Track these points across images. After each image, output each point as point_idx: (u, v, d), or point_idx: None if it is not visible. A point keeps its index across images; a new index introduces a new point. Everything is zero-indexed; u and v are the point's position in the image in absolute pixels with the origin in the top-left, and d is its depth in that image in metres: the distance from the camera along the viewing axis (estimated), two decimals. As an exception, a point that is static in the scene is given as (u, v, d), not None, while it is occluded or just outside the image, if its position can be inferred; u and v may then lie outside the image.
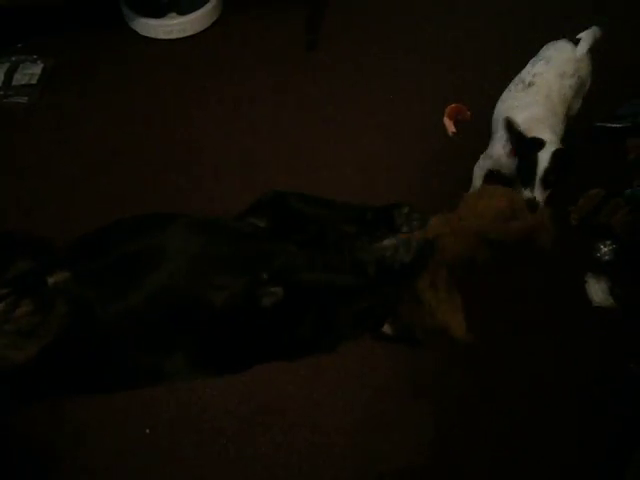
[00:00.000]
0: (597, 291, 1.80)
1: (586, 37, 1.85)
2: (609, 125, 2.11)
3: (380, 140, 2.13)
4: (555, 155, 1.60)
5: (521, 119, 1.70)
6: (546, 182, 1.61)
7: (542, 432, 1.60)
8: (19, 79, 2.25)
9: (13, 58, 2.31)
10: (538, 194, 1.61)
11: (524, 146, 1.64)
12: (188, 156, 2.06)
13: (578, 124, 2.15)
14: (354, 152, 2.09)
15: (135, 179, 1.99)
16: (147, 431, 1.55)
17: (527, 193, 1.62)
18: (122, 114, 2.17)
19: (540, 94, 1.79)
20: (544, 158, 1.60)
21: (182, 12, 2.37)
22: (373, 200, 1.59)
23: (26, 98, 2.20)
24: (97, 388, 1.49)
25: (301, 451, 1.53)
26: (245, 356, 1.52)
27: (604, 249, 1.86)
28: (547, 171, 1.60)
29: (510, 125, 1.67)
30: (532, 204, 1.57)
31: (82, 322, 1.35)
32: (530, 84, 1.82)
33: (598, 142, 2.12)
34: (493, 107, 1.93)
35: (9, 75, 2.26)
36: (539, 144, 1.62)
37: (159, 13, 2.36)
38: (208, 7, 2.39)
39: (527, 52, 1.98)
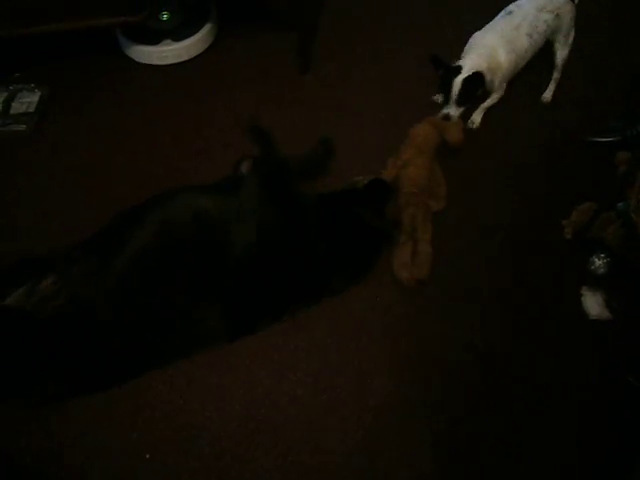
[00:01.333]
0: (593, 304, 1.81)
1: None
2: (599, 139, 2.13)
3: (369, 157, 2.15)
4: (464, 81, 1.99)
5: (474, 37, 2.11)
6: (459, 102, 2.04)
7: (541, 446, 1.60)
8: (17, 108, 2.28)
9: (11, 87, 2.34)
10: (452, 110, 2.05)
11: (446, 73, 2.02)
12: (185, 179, 2.07)
13: (569, 139, 2.20)
14: (347, 170, 2.11)
15: (134, 204, 2.00)
16: (147, 456, 1.54)
17: (444, 110, 2.07)
18: (119, 140, 2.20)
19: (511, 23, 2.08)
20: (457, 83, 1.99)
21: (177, 38, 2.41)
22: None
23: (24, 126, 2.23)
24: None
25: (301, 472, 1.52)
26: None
27: (598, 262, 1.87)
28: (459, 93, 2.00)
29: (436, 59, 2.05)
30: (447, 117, 2.07)
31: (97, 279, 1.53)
32: (509, 12, 2.12)
33: (589, 156, 2.15)
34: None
35: (7, 104, 2.29)
36: (457, 71, 2.00)
37: (154, 40, 2.40)
38: (202, 33, 2.43)
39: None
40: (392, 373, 1.69)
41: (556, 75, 2.29)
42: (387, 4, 2.64)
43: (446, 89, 2.03)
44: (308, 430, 1.59)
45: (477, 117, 2.23)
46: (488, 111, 2.25)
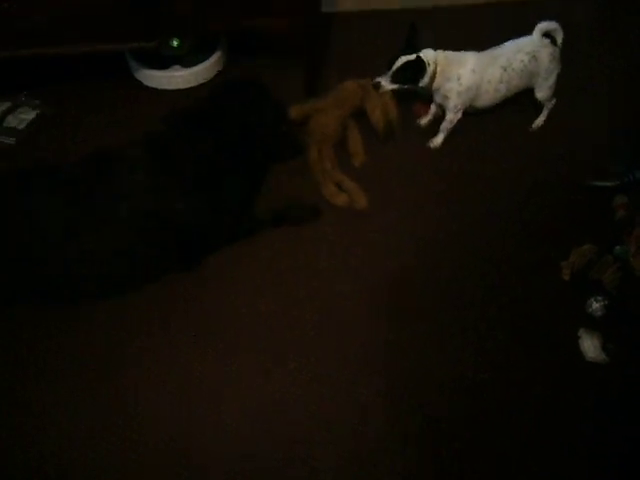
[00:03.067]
0: (590, 346, 1.80)
1: (542, 25, 2.18)
2: (599, 184, 2.16)
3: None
4: (405, 62, 2.07)
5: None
6: (393, 77, 2.11)
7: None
8: (10, 121, 2.32)
9: (16, 102, 2.38)
10: (383, 81, 2.12)
11: (404, 48, 2.09)
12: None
13: (567, 182, 2.24)
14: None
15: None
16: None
17: (378, 78, 2.13)
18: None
19: (491, 54, 2.19)
20: (400, 61, 2.08)
21: (186, 65, 2.45)
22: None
23: (13, 139, 2.26)
24: None
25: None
26: None
27: (596, 305, 1.87)
28: (396, 70, 2.09)
29: (413, 30, 2.09)
30: (376, 86, 2.14)
31: None
32: (492, 49, 2.21)
33: (587, 198, 2.18)
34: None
35: (3, 115, 2.33)
36: (409, 51, 2.07)
37: (163, 65, 2.44)
38: (212, 60, 2.48)
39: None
40: (382, 385, 1.67)
41: (545, 110, 2.35)
42: (390, 41, 2.70)
43: (392, 60, 2.09)
44: (298, 442, 1.56)
45: (438, 139, 2.29)
46: (478, 149, 2.28)
